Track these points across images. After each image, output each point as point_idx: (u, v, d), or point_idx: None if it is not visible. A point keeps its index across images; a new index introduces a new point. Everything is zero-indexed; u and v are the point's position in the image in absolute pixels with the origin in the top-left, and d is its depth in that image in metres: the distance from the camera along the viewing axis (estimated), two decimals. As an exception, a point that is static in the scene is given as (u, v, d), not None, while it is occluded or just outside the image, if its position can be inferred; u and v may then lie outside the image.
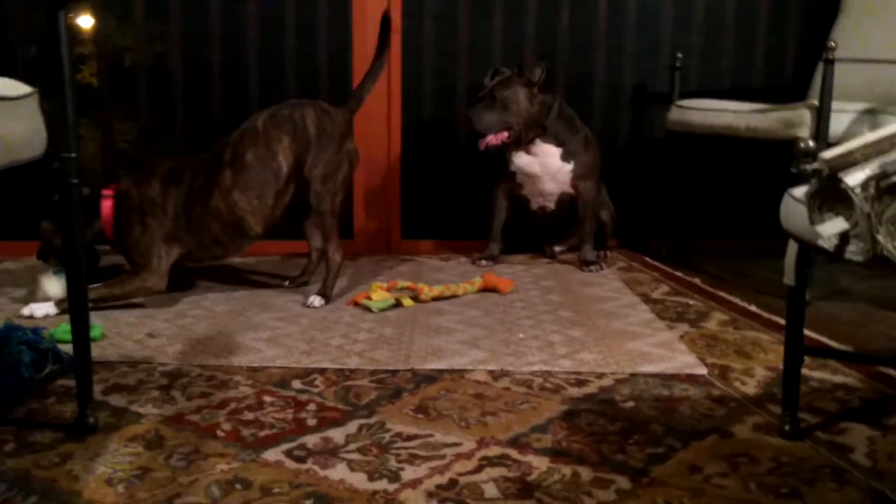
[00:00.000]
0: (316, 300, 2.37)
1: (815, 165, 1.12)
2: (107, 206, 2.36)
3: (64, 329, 1.92)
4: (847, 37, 2.79)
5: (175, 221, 2.36)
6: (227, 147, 2.39)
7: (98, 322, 2.06)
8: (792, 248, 1.43)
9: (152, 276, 2.34)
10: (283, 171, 2.36)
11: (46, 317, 2.20)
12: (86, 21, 3.16)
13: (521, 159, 2.91)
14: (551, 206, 3.00)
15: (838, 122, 2.40)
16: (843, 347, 2.00)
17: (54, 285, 2.29)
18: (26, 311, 2.22)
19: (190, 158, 2.45)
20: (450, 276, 2.73)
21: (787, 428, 1.48)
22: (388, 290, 2.43)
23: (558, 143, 2.88)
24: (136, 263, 2.35)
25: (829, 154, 1.09)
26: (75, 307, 1.48)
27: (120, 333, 2.08)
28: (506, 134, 2.79)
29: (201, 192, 2.36)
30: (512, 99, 2.78)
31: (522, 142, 2.85)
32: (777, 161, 2.14)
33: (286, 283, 2.62)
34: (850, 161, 1.08)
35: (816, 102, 2.39)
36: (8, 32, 3.08)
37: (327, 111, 2.42)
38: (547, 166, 2.89)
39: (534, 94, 2.80)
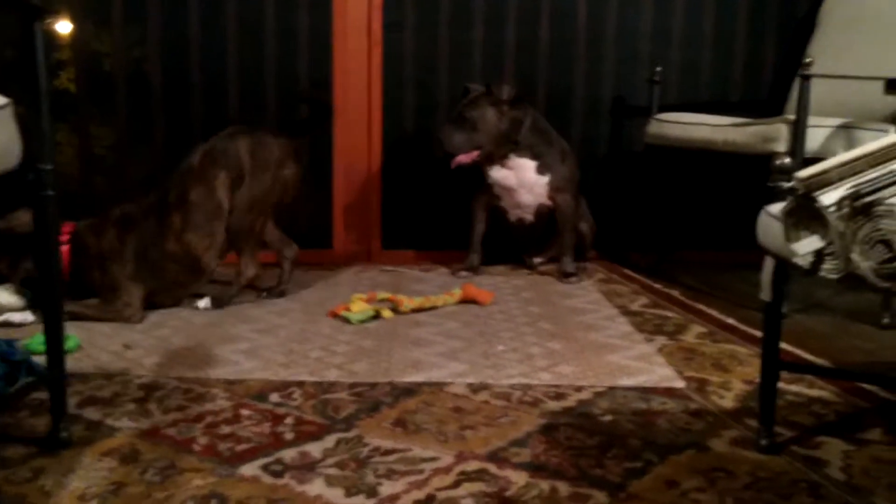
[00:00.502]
0: (202, 303, 2.40)
1: (791, 184, 1.13)
2: (63, 250, 2.32)
3: (39, 340, 1.89)
4: (824, 52, 2.83)
5: (136, 263, 2.35)
6: (172, 188, 2.41)
7: (73, 333, 2.04)
8: (768, 264, 1.45)
9: (127, 308, 2.29)
10: (224, 206, 2.41)
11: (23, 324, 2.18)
12: (64, 27, 3.13)
13: (497, 173, 2.92)
14: (530, 217, 3.01)
15: (814, 137, 2.42)
16: (818, 361, 2.02)
17: (6, 296, 2.23)
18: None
19: (139, 202, 2.45)
20: (430, 288, 2.73)
21: (763, 442, 1.49)
22: (368, 301, 2.42)
23: (533, 157, 2.89)
24: (108, 300, 2.32)
25: (804, 173, 1.11)
26: (50, 319, 1.46)
27: (95, 344, 2.06)
28: (476, 153, 2.81)
29: (155, 236, 2.37)
30: (481, 118, 2.80)
31: (494, 158, 2.87)
32: (755, 175, 2.16)
33: (263, 294, 2.60)
34: (825, 180, 1.09)
35: (793, 117, 2.42)
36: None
37: (262, 141, 2.45)
38: (523, 179, 2.90)
39: (503, 112, 2.81)
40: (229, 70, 3.16)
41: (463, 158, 2.81)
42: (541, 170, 2.90)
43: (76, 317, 2.24)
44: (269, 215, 2.48)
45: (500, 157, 2.87)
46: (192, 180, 2.39)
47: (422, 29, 3.22)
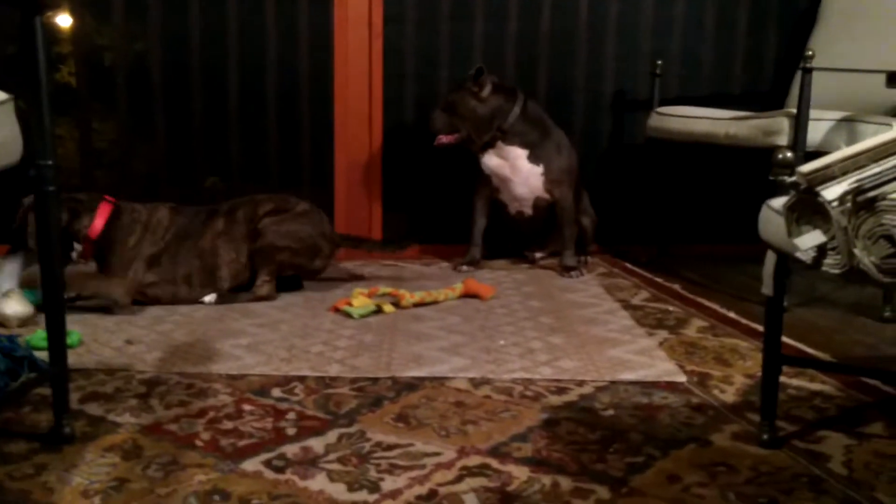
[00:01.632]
0: (208, 297, 2.45)
1: (794, 178, 1.13)
2: (105, 206, 2.42)
3: (40, 336, 1.89)
4: (825, 45, 2.81)
5: (166, 248, 2.44)
6: (226, 203, 2.62)
7: (76, 328, 2.04)
8: (770, 258, 1.44)
9: (120, 287, 2.35)
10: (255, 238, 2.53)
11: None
12: (64, 20, 3.12)
13: (490, 161, 2.95)
14: (528, 211, 3.01)
15: (816, 130, 2.42)
16: (820, 355, 2.02)
17: (11, 304, 2.16)
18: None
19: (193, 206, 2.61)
20: (431, 282, 2.73)
21: (765, 437, 1.49)
22: (370, 296, 2.42)
23: (523, 145, 2.91)
24: (113, 269, 2.37)
25: (807, 168, 1.10)
26: (51, 316, 1.46)
27: (97, 340, 2.06)
28: (455, 136, 2.92)
29: (196, 229, 2.51)
30: (459, 103, 2.90)
31: (475, 143, 2.93)
32: (756, 168, 2.15)
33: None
34: (827, 175, 1.09)
35: (794, 111, 2.41)
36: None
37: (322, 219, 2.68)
38: (516, 169, 2.92)
39: (482, 100, 2.87)
40: (230, 63, 3.15)
41: (443, 139, 2.93)
42: (533, 159, 2.91)
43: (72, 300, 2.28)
44: (295, 259, 2.56)
45: (480, 143, 2.93)
46: (243, 203, 2.60)
47: (422, 22, 3.21)
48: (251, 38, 3.15)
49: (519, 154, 2.92)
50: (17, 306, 2.15)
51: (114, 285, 2.35)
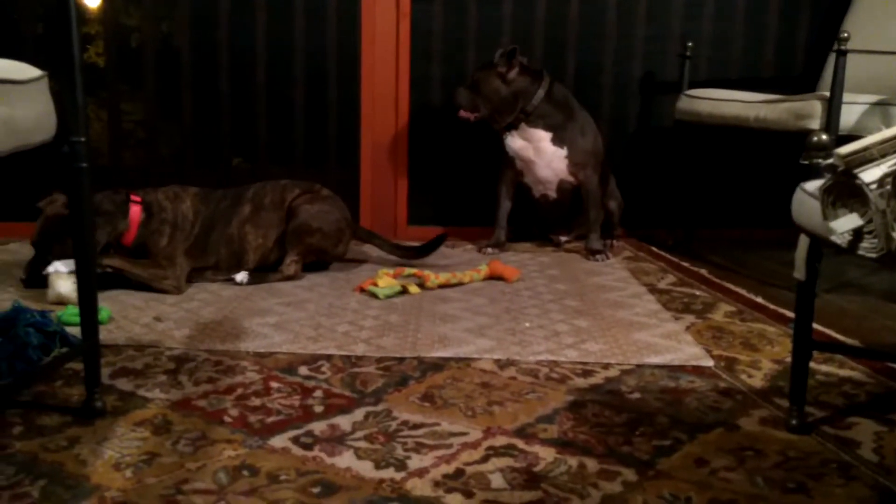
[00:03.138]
0: (240, 276, 2.46)
1: (830, 161, 1.11)
2: (135, 210, 2.40)
3: (71, 312, 1.92)
4: (860, 27, 2.76)
5: (197, 238, 2.46)
6: (252, 187, 2.61)
7: (105, 304, 2.06)
8: (803, 243, 1.43)
9: (173, 280, 2.36)
10: (283, 223, 2.55)
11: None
12: (92, 1, 3.14)
13: (515, 143, 2.94)
14: (553, 194, 3.00)
15: (849, 113, 2.38)
16: (850, 341, 2.00)
17: (66, 284, 2.19)
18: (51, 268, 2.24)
19: (216, 189, 2.61)
20: (456, 264, 2.73)
21: (794, 422, 1.47)
22: (395, 276, 2.42)
23: (547, 128, 2.90)
24: (161, 265, 2.38)
25: (844, 150, 1.08)
26: (84, 291, 1.48)
27: (127, 317, 2.08)
28: (476, 113, 2.93)
29: (223, 217, 2.51)
30: (483, 82, 2.90)
31: (498, 122, 2.93)
32: (786, 152, 2.13)
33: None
34: (865, 157, 1.07)
35: (827, 94, 2.37)
36: (12, 10, 3.08)
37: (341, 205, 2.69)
38: (540, 151, 2.92)
39: (506, 80, 2.86)
40: (258, 44, 3.16)
41: (463, 114, 2.94)
42: (556, 142, 2.90)
43: (120, 273, 2.31)
44: (323, 243, 2.57)
45: (503, 123, 2.92)
46: (270, 188, 2.60)
47: (450, 3, 3.19)
48: (279, 18, 3.15)
49: (542, 136, 2.90)
50: (72, 284, 2.19)
51: (166, 278, 2.34)
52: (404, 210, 3.27)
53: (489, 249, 2.96)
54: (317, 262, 2.62)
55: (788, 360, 1.77)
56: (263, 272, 2.51)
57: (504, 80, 2.87)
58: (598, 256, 2.87)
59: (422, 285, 2.40)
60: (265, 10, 3.14)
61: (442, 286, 2.43)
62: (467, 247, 3.06)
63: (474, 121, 2.95)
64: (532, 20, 3.22)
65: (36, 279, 2.29)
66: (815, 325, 1.52)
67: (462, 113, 2.95)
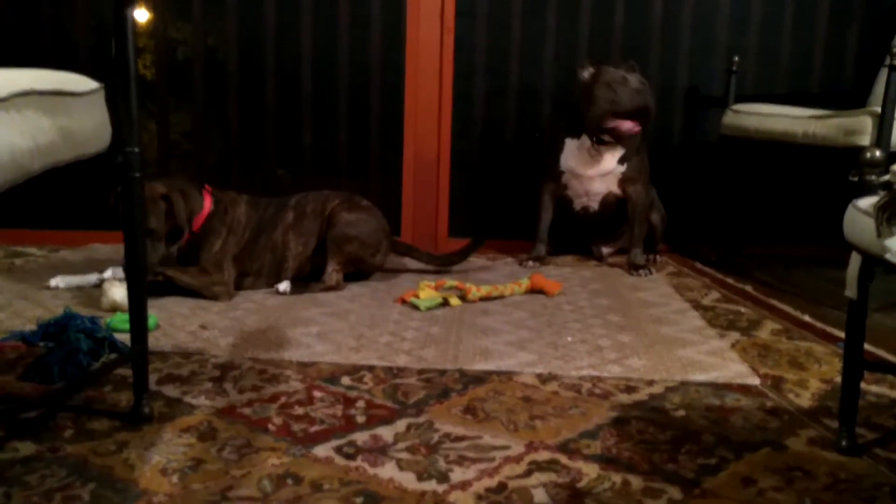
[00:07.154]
0: (283, 286, 2.48)
1: (886, 177, 1.09)
2: (207, 198, 2.48)
3: (120, 318, 1.96)
4: (911, 42, 2.71)
5: (245, 244, 2.51)
6: (295, 196, 2.66)
7: (152, 312, 2.09)
8: (855, 261, 1.40)
9: (221, 285, 2.40)
10: (323, 230, 2.59)
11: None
12: (141, 15, 3.21)
13: (572, 159, 2.90)
14: (595, 206, 2.98)
15: (901, 130, 2.34)
16: (901, 362, 1.95)
17: (120, 291, 2.22)
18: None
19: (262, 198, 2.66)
20: (497, 277, 2.73)
21: (844, 443, 1.44)
22: (436, 288, 2.43)
23: (623, 145, 2.87)
24: (208, 272, 2.42)
25: (901, 166, 1.06)
26: (135, 298, 1.50)
27: (173, 324, 2.12)
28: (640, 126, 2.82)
29: (268, 224, 2.56)
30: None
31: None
32: (834, 168, 2.09)
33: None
34: (923, 174, 1.05)
35: (878, 109, 2.33)
36: (67, 24, 3.16)
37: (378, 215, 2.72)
38: (602, 166, 2.89)
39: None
40: (303, 57, 3.20)
41: (631, 127, 2.81)
42: (622, 159, 2.88)
43: (170, 280, 2.36)
44: (361, 252, 2.60)
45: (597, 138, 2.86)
46: (312, 197, 2.65)
47: (494, 17, 3.21)
48: (324, 31, 3.19)
49: (615, 152, 2.88)
50: (124, 292, 2.23)
51: (215, 284, 2.39)
52: (445, 222, 3.28)
53: (530, 263, 2.95)
54: (357, 272, 2.64)
55: (837, 379, 1.75)
56: (305, 282, 2.53)
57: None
58: (641, 271, 2.85)
59: (463, 298, 2.40)
60: (310, 24, 3.19)
61: (483, 299, 2.42)
62: (508, 260, 3.05)
63: (629, 135, 2.82)
64: (576, 34, 3.22)
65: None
66: (865, 345, 1.49)
67: (630, 127, 2.79)
